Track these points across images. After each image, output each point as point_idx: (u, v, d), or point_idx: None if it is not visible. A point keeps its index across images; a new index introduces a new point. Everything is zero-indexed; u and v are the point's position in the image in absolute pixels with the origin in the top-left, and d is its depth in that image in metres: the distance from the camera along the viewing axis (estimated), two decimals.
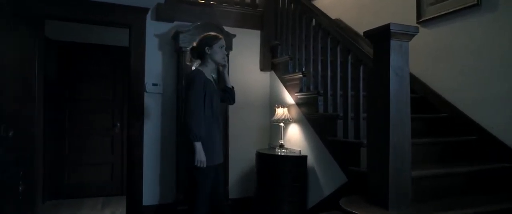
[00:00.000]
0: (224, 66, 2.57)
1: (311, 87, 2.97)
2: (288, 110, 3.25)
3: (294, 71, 3.25)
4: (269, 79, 3.76)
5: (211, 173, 2.34)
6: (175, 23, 3.47)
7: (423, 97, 3.09)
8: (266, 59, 3.70)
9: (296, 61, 3.24)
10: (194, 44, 2.49)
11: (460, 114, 2.87)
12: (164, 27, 3.45)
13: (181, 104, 3.26)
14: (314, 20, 2.94)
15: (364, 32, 2.12)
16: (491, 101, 2.68)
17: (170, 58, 3.47)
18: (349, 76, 2.48)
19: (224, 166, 3.31)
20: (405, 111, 2.02)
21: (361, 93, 2.36)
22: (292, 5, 3.35)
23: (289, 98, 3.33)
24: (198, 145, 2.24)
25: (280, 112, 3.22)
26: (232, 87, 2.63)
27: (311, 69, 2.98)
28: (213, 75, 2.66)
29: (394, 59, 1.98)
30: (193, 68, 2.58)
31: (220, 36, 2.48)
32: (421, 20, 3.29)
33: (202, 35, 2.50)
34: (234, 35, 3.39)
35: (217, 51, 2.44)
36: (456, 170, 2.33)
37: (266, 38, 3.70)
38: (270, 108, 3.70)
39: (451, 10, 3.01)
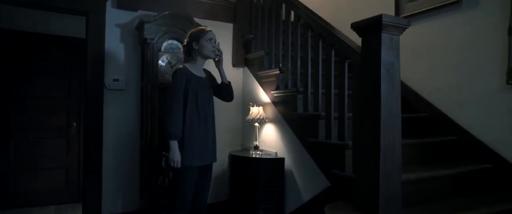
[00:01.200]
0: (218, 61, 2.39)
1: (289, 84, 2.78)
2: (264, 109, 3.03)
3: (270, 68, 3.04)
4: (242, 76, 3.52)
5: (191, 174, 2.20)
6: (140, 12, 3.14)
7: (403, 97, 2.97)
8: (239, 54, 3.46)
9: (273, 57, 3.02)
10: (184, 41, 2.36)
11: (440, 113, 2.80)
12: (127, 16, 3.11)
13: (146, 102, 2.94)
14: (293, 13, 2.73)
15: (351, 24, 1.94)
16: (471, 101, 2.63)
17: (133, 50, 3.14)
18: (332, 73, 2.30)
19: None
20: (395, 111, 1.86)
21: (346, 91, 2.19)
22: None
23: (264, 96, 3.11)
24: (173, 144, 2.12)
25: (255, 111, 2.99)
26: (229, 83, 2.42)
27: (289, 66, 2.78)
28: (206, 70, 2.44)
29: (385, 55, 1.82)
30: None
31: (208, 28, 2.35)
32: (399, 17, 3.20)
33: (189, 31, 2.39)
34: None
35: (204, 45, 2.29)
36: (442, 172, 2.23)
37: (239, 32, 3.46)
38: (243, 107, 3.46)
39: (431, 7, 2.92)
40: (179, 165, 2.13)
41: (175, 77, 2.23)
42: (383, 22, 1.77)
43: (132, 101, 3.12)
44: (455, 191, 2.23)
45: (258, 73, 3.17)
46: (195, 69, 2.32)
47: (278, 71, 2.87)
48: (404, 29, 1.89)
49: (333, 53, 2.31)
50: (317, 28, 2.43)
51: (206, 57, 2.31)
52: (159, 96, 2.92)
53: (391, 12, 3.24)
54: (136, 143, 3.12)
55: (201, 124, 2.24)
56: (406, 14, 3.14)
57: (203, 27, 2.37)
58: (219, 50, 2.34)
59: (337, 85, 2.25)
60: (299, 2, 2.74)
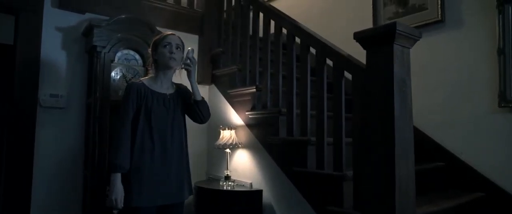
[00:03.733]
0: (187, 71, 1.91)
1: (269, 104, 2.42)
2: (236, 132, 2.62)
3: (243, 85, 2.66)
4: (208, 95, 3.08)
5: None
6: (88, 15, 2.61)
7: None
8: (206, 70, 3.04)
9: (247, 73, 2.66)
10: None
11: (425, 137, 2.63)
12: (72, 18, 2.56)
13: (94, 123, 2.39)
14: (273, 23, 2.41)
15: (355, 34, 1.66)
16: (460, 124, 2.48)
17: (78, 60, 2.58)
18: (325, 91, 1.99)
19: None
20: (408, 137, 1.60)
21: (343, 113, 1.88)
22: (242, 3, 2.80)
23: (236, 118, 2.71)
24: (115, 178, 1.70)
25: (227, 134, 2.57)
26: (202, 99, 1.94)
27: (269, 83, 2.43)
28: (179, 86, 1.99)
29: (398, 70, 1.56)
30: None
31: (168, 32, 1.94)
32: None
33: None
34: None
35: (161, 52, 1.85)
36: (445, 205, 2.00)
37: (207, 45, 3.05)
38: (209, 130, 3.02)
39: (412, 26, 2.79)
40: (121, 206, 1.68)
41: (125, 93, 1.83)
42: (397, 31, 1.51)
43: (75, 122, 2.54)
44: None
45: (229, 91, 2.77)
46: (157, 84, 1.87)
47: (255, 90, 2.50)
48: (416, 41, 1.65)
49: (325, 68, 2.01)
50: (304, 38, 2.13)
51: (166, 67, 1.86)
52: (111, 116, 2.39)
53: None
54: (78, 174, 2.52)
55: (156, 151, 1.78)
56: None
57: (163, 33, 1.96)
58: (189, 58, 1.90)
59: (332, 106, 1.94)
60: (279, 11, 2.44)
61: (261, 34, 2.60)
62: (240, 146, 2.58)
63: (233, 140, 2.55)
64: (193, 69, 1.91)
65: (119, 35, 2.46)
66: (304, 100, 2.11)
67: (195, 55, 2.11)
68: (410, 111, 1.61)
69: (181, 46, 1.93)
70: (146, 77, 1.96)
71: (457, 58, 2.53)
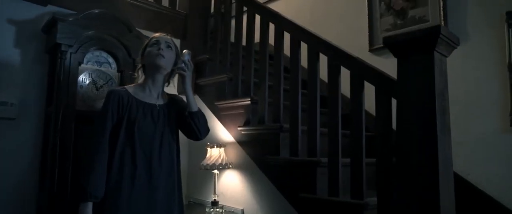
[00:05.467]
0: (180, 75, 1.59)
1: (266, 119, 2.11)
2: (225, 151, 2.28)
3: (235, 96, 2.33)
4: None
5: None
6: (51, 7, 2.18)
7: None
8: None
9: (239, 83, 2.34)
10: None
11: None
12: (29, 10, 2.12)
13: (54, 137, 1.95)
14: (274, 26, 2.13)
15: (385, 39, 1.43)
16: (467, 144, 2.31)
17: (36, 61, 2.13)
18: (339, 105, 1.72)
19: None
20: (449, 158, 1.38)
21: (363, 131, 1.61)
22: (234, 4, 2.50)
23: (225, 134, 2.37)
24: (84, 208, 1.35)
25: (215, 153, 2.22)
26: (197, 110, 1.60)
27: (266, 94, 2.13)
28: (172, 96, 1.68)
29: (438, 83, 1.34)
30: None
31: (156, 34, 1.64)
32: (373, 47, 2.88)
33: None
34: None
35: (148, 52, 1.55)
36: None
37: (190, 51, 2.69)
38: (190, 147, 2.64)
39: None
40: None
41: (104, 102, 1.48)
42: (440, 36, 1.29)
43: (30, 135, 2.07)
44: None
45: (216, 103, 2.43)
46: (144, 92, 1.55)
47: (249, 102, 2.19)
48: (453, 49, 1.44)
49: (340, 79, 1.74)
50: (313, 44, 1.86)
51: (154, 67, 1.53)
52: (76, 129, 1.96)
53: (365, 42, 2.90)
54: (31, 199, 2.04)
55: (139, 175, 1.42)
56: (380, 46, 2.82)
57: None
58: (184, 61, 1.58)
59: (347, 123, 1.67)
60: (279, 13, 2.16)
61: (256, 39, 2.31)
62: (230, 166, 2.23)
63: (222, 160, 2.20)
64: (188, 74, 1.57)
65: (89, 33, 2.05)
66: (313, 115, 1.83)
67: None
68: (449, 129, 1.39)
69: (173, 47, 1.60)
70: (131, 85, 1.59)
71: (463, 74, 2.38)
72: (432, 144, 1.26)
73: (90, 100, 2.06)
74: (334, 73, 1.75)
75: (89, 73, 2.09)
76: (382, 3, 2.85)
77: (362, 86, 1.63)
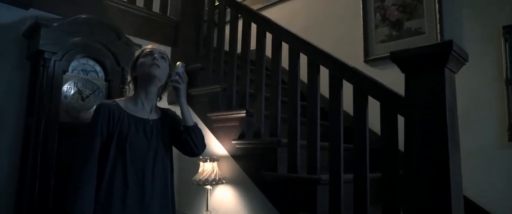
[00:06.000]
0: (174, 88, 1.49)
1: (263, 132, 2.02)
2: (218, 165, 2.17)
3: (229, 108, 2.24)
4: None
5: None
6: (33, 11, 2.04)
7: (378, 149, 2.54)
8: None
9: (233, 94, 2.24)
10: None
11: None
12: (9, 13, 1.97)
13: (35, 151, 1.80)
14: (271, 36, 2.05)
15: (392, 53, 1.37)
16: (462, 158, 2.27)
17: (16, 68, 1.97)
18: (341, 120, 1.64)
19: None
20: (460, 180, 1.33)
21: (367, 147, 1.55)
22: (228, 11, 2.41)
23: (217, 147, 2.26)
24: None
25: (208, 167, 2.11)
26: (194, 125, 1.50)
27: (262, 107, 2.04)
28: (165, 111, 1.59)
29: (449, 100, 1.29)
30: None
31: (148, 45, 1.55)
32: (368, 58, 2.84)
33: None
34: (139, 47, 2.17)
35: (140, 63, 1.45)
36: None
37: (181, 59, 2.58)
38: (180, 160, 2.51)
39: None
40: None
41: (92, 116, 1.37)
42: (452, 52, 1.24)
43: (6, 149, 1.92)
44: None
45: (209, 115, 2.33)
46: (136, 106, 1.45)
47: (244, 114, 2.10)
48: (462, 65, 1.40)
49: (342, 92, 1.67)
50: (313, 55, 1.79)
51: (147, 79, 1.44)
52: (59, 142, 1.82)
53: (360, 52, 2.86)
54: None
55: (131, 196, 1.32)
56: (375, 56, 2.79)
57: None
58: (178, 73, 1.49)
59: (349, 137, 1.61)
60: (277, 23, 2.09)
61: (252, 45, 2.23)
62: (223, 181, 2.13)
63: (215, 175, 2.09)
64: (183, 87, 1.48)
65: (76, 39, 1.92)
66: (313, 130, 1.75)
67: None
68: (458, 146, 1.34)
69: (166, 59, 1.51)
70: (122, 98, 1.48)
71: (460, 89, 2.33)
72: (444, 163, 1.22)
73: (74, 111, 1.92)
74: (336, 86, 1.68)
75: (74, 83, 1.95)
76: (378, 14, 2.83)
77: (366, 102, 1.57)
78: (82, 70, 1.99)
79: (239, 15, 2.32)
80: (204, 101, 2.42)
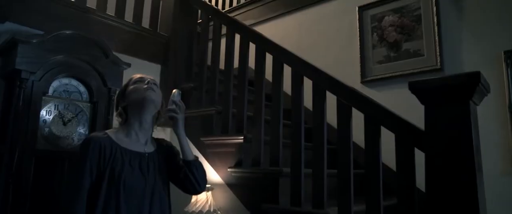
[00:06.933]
0: (171, 117, 1.34)
1: (262, 160, 1.87)
2: (212, 194, 2.01)
3: (224, 133, 2.09)
4: (169, 140, 2.42)
5: None
6: (10, 25, 1.84)
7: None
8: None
9: (230, 117, 2.10)
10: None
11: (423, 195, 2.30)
12: None
13: (7, 183, 1.59)
14: (272, 57, 1.93)
15: (412, 84, 1.27)
16: None
17: None
18: (350, 151, 1.52)
19: None
20: None
21: (381, 178, 1.43)
22: (224, 28, 2.27)
23: (212, 173, 2.10)
24: None
25: (202, 197, 1.94)
26: (195, 159, 1.36)
27: (262, 133, 1.90)
28: (161, 142, 1.44)
29: (475, 135, 1.20)
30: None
31: (137, 74, 1.40)
32: (365, 79, 2.76)
33: None
34: (128, 66, 2.00)
35: (133, 88, 1.30)
36: None
37: (171, 78, 2.43)
38: (171, 188, 2.32)
39: (406, 72, 2.55)
40: None
41: (81, 153, 1.19)
42: (479, 84, 1.15)
43: None
44: None
45: (202, 139, 2.16)
46: (130, 138, 1.29)
47: (242, 140, 1.95)
48: (484, 97, 1.32)
49: (351, 122, 1.56)
50: (320, 81, 1.67)
51: (142, 105, 1.28)
52: (35, 173, 1.62)
53: (357, 73, 2.78)
54: None
55: None
56: (373, 77, 2.72)
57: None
58: (175, 102, 1.34)
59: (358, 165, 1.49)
60: (278, 44, 1.97)
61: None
62: (218, 212, 1.96)
63: (210, 205, 1.93)
64: (181, 117, 1.33)
65: (58, 57, 1.74)
66: (319, 162, 1.62)
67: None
68: (483, 186, 1.25)
69: (158, 85, 1.37)
70: (112, 129, 1.32)
71: None
72: (473, 204, 1.11)
73: (54, 138, 1.72)
74: (345, 116, 1.56)
75: (55, 105, 1.76)
76: (375, 34, 2.76)
77: (378, 134, 1.45)
78: (64, 91, 1.80)
79: (235, 33, 2.20)
80: (196, 124, 2.26)
